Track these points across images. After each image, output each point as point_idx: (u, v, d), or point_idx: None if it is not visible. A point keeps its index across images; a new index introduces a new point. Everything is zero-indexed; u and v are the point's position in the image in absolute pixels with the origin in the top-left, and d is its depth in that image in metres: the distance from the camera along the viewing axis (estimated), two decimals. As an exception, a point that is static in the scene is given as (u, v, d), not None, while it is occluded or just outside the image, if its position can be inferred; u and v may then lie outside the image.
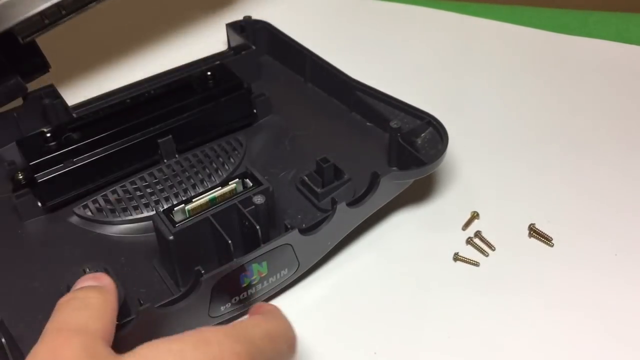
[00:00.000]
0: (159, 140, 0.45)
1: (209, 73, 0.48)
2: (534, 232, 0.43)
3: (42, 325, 0.35)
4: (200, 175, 0.45)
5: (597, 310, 0.38)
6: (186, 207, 0.38)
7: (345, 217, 0.39)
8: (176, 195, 0.43)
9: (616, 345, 0.37)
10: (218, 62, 0.50)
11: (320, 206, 0.42)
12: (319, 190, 0.42)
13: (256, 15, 0.56)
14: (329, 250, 0.40)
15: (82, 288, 0.31)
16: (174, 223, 0.36)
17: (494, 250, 0.42)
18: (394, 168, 0.43)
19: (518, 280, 0.40)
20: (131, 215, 0.42)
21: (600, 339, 0.37)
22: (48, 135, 0.43)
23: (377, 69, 0.48)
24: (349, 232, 0.41)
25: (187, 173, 0.45)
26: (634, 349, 0.36)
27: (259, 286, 0.37)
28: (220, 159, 0.46)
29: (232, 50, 0.55)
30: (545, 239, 0.42)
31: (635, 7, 0.58)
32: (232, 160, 0.46)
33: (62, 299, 0.30)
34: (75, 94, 0.49)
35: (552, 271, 0.41)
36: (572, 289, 0.40)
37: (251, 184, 0.39)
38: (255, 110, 0.49)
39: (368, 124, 0.48)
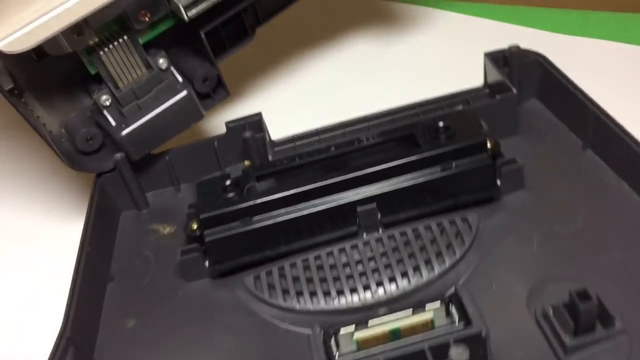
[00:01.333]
0: (360, 208, 0.34)
1: (441, 123, 0.35)
2: None
3: None
4: (403, 266, 0.33)
5: None
6: (356, 335, 0.26)
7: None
8: (366, 288, 0.32)
9: None
10: (460, 108, 0.37)
11: (566, 364, 0.27)
12: (567, 339, 0.27)
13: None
14: None
15: None
16: (331, 356, 0.25)
17: None
18: None
19: None
20: (305, 305, 0.32)
21: None
22: (227, 183, 0.35)
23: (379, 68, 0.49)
24: None
25: (387, 258, 0.33)
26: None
27: None
28: (437, 246, 0.33)
29: (489, 88, 0.41)
30: None
31: (635, 7, 0.57)
32: (453, 250, 0.33)
33: None
34: (279, 128, 0.41)
35: None
36: None
37: (457, 318, 0.25)
38: (499, 182, 0.35)
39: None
